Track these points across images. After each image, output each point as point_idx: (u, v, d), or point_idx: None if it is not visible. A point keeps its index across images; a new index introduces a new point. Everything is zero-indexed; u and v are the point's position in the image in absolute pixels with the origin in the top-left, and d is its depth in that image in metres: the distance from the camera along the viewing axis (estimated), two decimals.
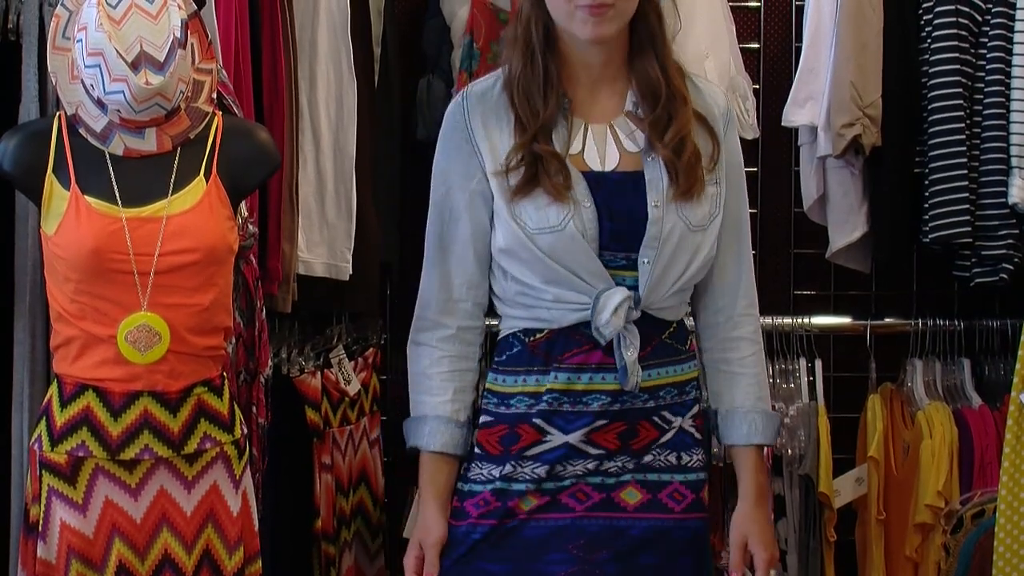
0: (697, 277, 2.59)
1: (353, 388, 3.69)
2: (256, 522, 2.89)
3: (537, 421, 2.53)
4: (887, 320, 3.92)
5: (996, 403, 3.72)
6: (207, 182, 2.77)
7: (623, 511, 2.55)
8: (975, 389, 3.80)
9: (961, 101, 3.57)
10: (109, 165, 2.74)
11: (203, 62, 2.83)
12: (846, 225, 3.76)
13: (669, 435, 2.57)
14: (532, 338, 2.54)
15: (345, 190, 3.56)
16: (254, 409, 3.12)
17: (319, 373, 3.60)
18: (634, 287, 2.52)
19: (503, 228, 2.51)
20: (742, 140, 3.88)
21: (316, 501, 3.57)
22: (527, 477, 2.53)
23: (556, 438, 2.53)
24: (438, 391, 2.57)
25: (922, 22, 3.63)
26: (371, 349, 3.82)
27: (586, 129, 2.55)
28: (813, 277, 4.13)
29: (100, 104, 2.72)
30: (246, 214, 3.01)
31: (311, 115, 3.54)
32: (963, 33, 3.58)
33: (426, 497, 2.58)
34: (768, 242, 4.15)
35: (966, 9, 3.58)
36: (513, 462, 2.54)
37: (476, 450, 2.57)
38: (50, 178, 2.73)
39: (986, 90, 3.56)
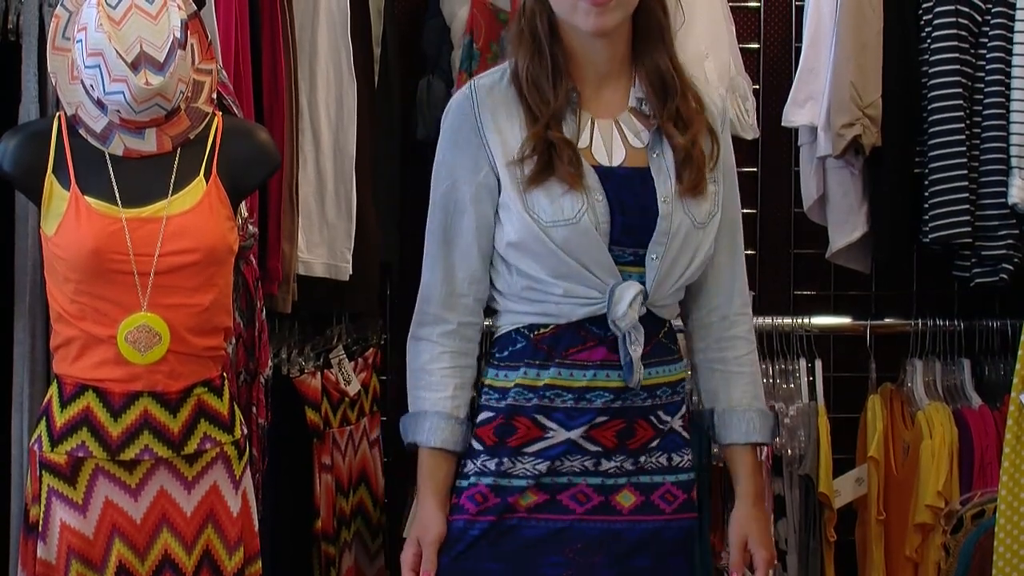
0: (695, 276, 2.59)
1: (353, 388, 3.69)
2: (256, 522, 2.89)
3: (538, 417, 2.52)
4: (887, 320, 3.92)
5: (996, 403, 3.72)
6: (207, 182, 2.77)
7: (619, 514, 2.55)
8: (975, 389, 3.80)
9: (961, 101, 3.57)
10: (109, 165, 2.74)
11: (203, 62, 2.83)
12: (846, 225, 3.76)
13: (663, 435, 2.57)
14: (536, 333, 2.53)
15: (345, 190, 3.56)
16: (254, 409, 3.12)
17: (319, 373, 3.60)
18: (640, 283, 2.52)
19: (515, 221, 2.49)
20: (743, 140, 3.93)
21: (316, 501, 3.57)
22: (527, 473, 2.52)
23: (558, 434, 2.52)
24: (438, 387, 2.55)
25: (922, 22, 3.63)
26: (371, 349, 3.82)
27: (592, 124, 2.55)
28: (813, 277, 4.13)
29: (100, 104, 2.72)
30: (246, 214, 3.01)
31: (311, 115, 3.54)
32: (963, 33, 3.58)
33: (424, 493, 2.56)
34: (768, 242, 4.15)
35: (966, 9, 3.58)
36: (511, 456, 2.52)
37: (474, 444, 2.55)
38: (50, 178, 2.73)
39: (986, 90, 3.56)
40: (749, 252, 4.07)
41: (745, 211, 4.07)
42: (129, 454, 2.74)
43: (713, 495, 3.64)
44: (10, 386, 3.10)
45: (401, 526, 3.58)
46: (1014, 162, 3.52)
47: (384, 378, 3.90)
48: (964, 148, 3.55)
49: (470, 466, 2.55)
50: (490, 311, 2.62)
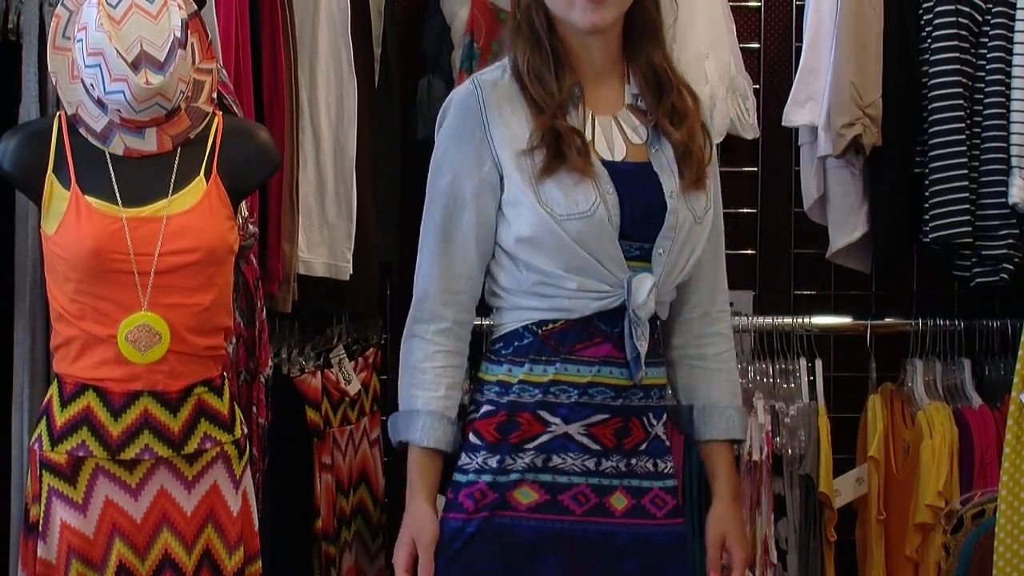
0: (691, 272, 2.59)
1: (353, 388, 3.69)
2: (256, 522, 2.89)
3: (541, 412, 2.51)
4: (887, 320, 3.92)
5: (996, 403, 3.72)
6: (207, 182, 2.77)
7: (612, 516, 2.54)
8: (975, 389, 3.80)
9: (961, 101, 3.57)
10: (109, 165, 2.74)
11: (203, 62, 2.83)
12: (846, 225, 3.76)
13: (650, 439, 2.57)
14: (544, 329, 2.51)
15: (345, 190, 3.56)
16: (254, 409, 3.12)
17: (319, 373, 3.60)
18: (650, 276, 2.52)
19: (527, 215, 2.47)
20: (743, 140, 3.93)
21: (316, 501, 3.57)
22: (524, 466, 2.51)
23: (558, 428, 2.51)
24: (432, 386, 2.53)
25: (922, 22, 3.63)
26: (371, 349, 3.82)
27: (593, 119, 2.54)
28: (813, 277, 4.13)
29: (100, 104, 2.72)
30: (246, 214, 3.01)
31: (311, 115, 3.54)
32: (963, 33, 3.58)
33: (418, 494, 2.52)
34: (768, 242, 4.15)
35: (966, 9, 3.58)
36: (510, 452, 2.51)
37: (473, 439, 2.53)
38: (50, 178, 2.73)
39: (986, 90, 3.56)
40: (749, 252, 4.13)
41: (745, 211, 4.14)
42: (129, 454, 2.74)
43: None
44: (10, 386, 3.10)
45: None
46: (1014, 162, 3.52)
47: (384, 378, 3.90)
48: (964, 148, 3.56)
49: (469, 461, 2.53)
50: (486, 308, 2.61)
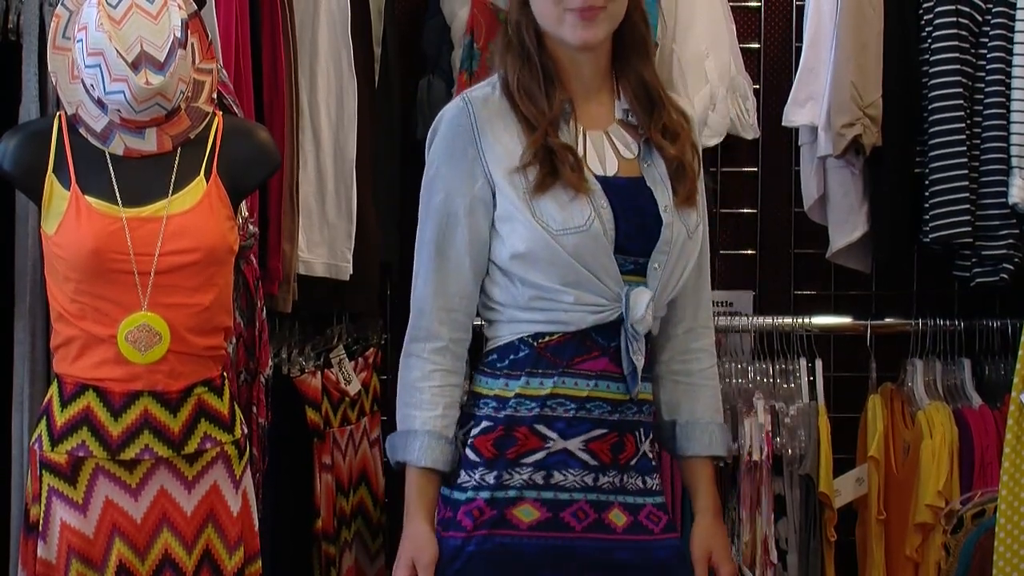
0: (683, 287, 2.58)
1: (353, 388, 3.69)
2: (256, 522, 2.89)
3: (538, 427, 2.50)
4: (887, 320, 3.92)
5: (996, 403, 3.72)
6: (207, 182, 2.77)
7: (612, 532, 2.52)
8: (975, 389, 3.80)
9: (961, 101, 3.57)
10: (109, 165, 2.74)
11: (203, 62, 2.83)
12: (846, 225, 3.76)
13: (639, 455, 2.56)
14: (541, 341, 2.51)
15: (345, 190, 3.56)
16: (254, 409, 3.12)
17: (319, 373, 3.60)
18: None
19: (522, 230, 2.47)
20: (743, 140, 3.93)
21: (316, 501, 3.57)
22: (523, 483, 2.50)
23: (556, 444, 2.51)
24: (429, 405, 2.52)
25: (922, 22, 3.63)
26: (371, 349, 3.81)
27: (584, 135, 2.54)
28: (813, 277, 4.13)
29: (100, 104, 2.72)
30: (246, 214, 3.01)
31: (311, 115, 3.54)
32: (963, 33, 3.58)
33: (416, 514, 2.51)
34: (768, 242, 4.15)
35: (966, 9, 3.58)
36: (508, 468, 2.50)
37: (471, 456, 2.52)
38: (50, 178, 2.73)
39: (986, 90, 3.56)
40: (749, 252, 4.13)
41: (745, 211, 4.14)
42: (129, 454, 2.74)
43: None
44: (10, 386, 3.11)
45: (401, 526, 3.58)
46: (1014, 162, 3.52)
47: (384, 378, 3.90)
48: (964, 148, 3.56)
49: (467, 478, 2.51)
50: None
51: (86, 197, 2.71)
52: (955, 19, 3.57)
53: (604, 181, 2.50)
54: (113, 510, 2.75)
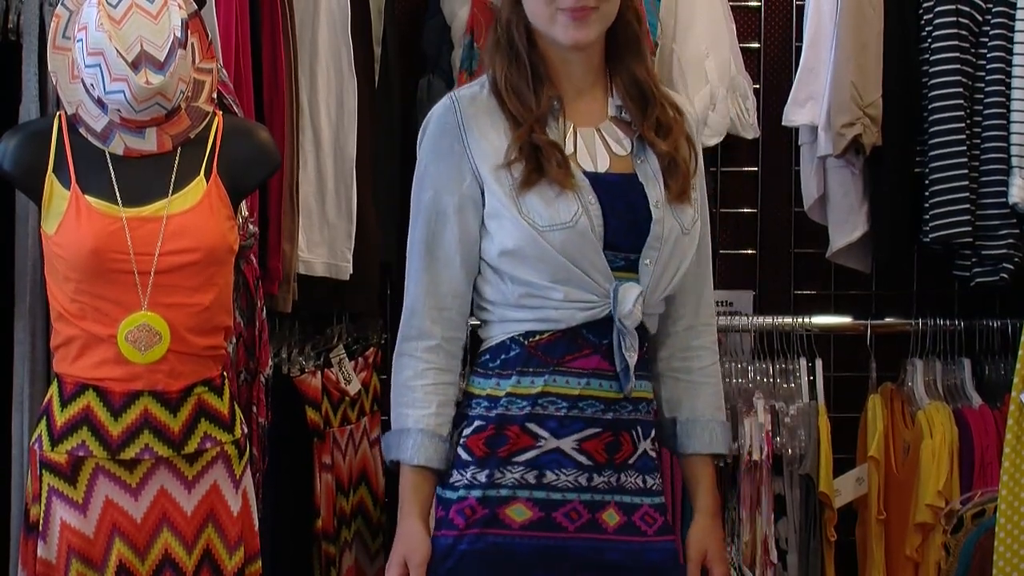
0: (680, 284, 2.57)
1: (353, 388, 3.69)
2: (256, 522, 2.89)
3: (530, 425, 2.50)
4: (887, 320, 3.92)
5: (996, 403, 3.72)
6: (207, 182, 2.77)
7: (604, 532, 2.52)
8: (975, 389, 3.79)
9: (961, 101, 3.57)
10: (109, 165, 2.74)
11: (203, 62, 2.83)
12: (846, 225, 3.76)
13: (638, 454, 2.55)
14: (531, 340, 2.51)
15: (345, 190, 3.56)
16: (254, 409, 3.12)
17: (319, 373, 3.60)
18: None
19: (510, 227, 2.47)
20: (743, 140, 3.93)
21: (316, 501, 3.57)
22: (515, 482, 2.50)
23: (548, 443, 2.50)
24: (422, 404, 2.52)
25: (922, 22, 3.63)
26: (371, 349, 3.82)
27: (575, 131, 2.54)
28: (813, 277, 4.13)
29: (100, 104, 2.72)
30: (246, 214, 3.01)
31: (311, 115, 3.54)
32: (963, 33, 3.58)
33: (410, 512, 2.51)
34: (768, 242, 4.15)
35: (966, 9, 3.58)
36: (500, 466, 2.50)
37: (463, 455, 2.52)
38: (50, 178, 2.73)
39: (986, 90, 3.56)
40: (749, 251, 4.13)
41: (745, 210, 4.14)
42: (129, 453, 2.74)
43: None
44: (10, 385, 3.11)
45: None
46: (1015, 161, 3.52)
47: (384, 377, 3.90)
48: (964, 148, 3.56)
49: (459, 478, 2.51)
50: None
51: (86, 197, 2.71)
52: (955, 19, 3.57)
53: (594, 177, 2.50)
54: (113, 510, 2.75)
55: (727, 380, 3.75)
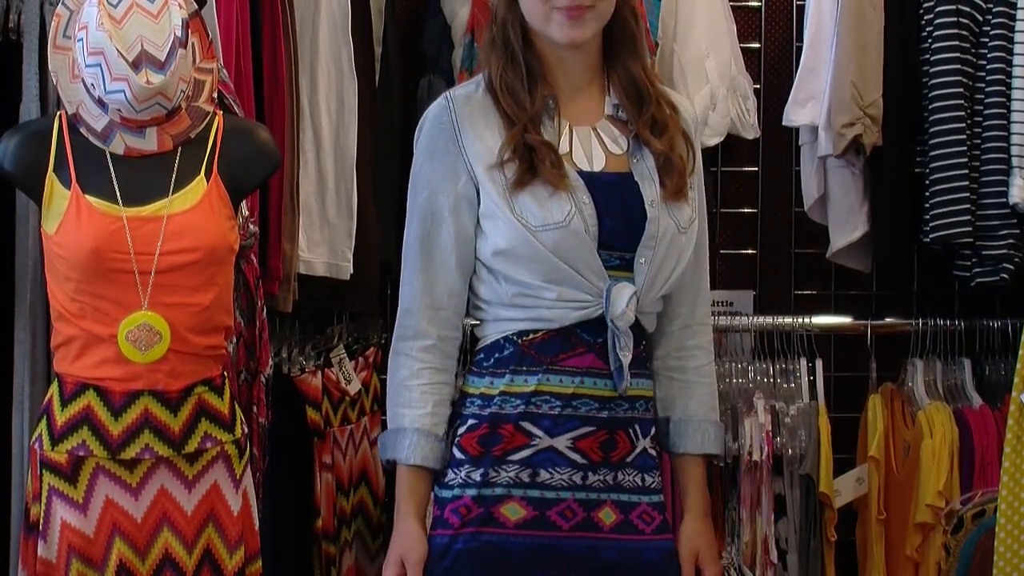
0: (677, 283, 2.57)
1: (354, 387, 3.69)
2: (257, 521, 2.89)
3: (524, 423, 2.50)
4: (888, 320, 3.92)
5: (997, 403, 3.72)
6: (208, 181, 2.77)
7: (600, 531, 2.52)
8: (976, 389, 3.79)
9: (962, 101, 3.57)
10: (110, 164, 2.74)
11: (204, 61, 2.83)
12: (847, 225, 3.76)
13: (636, 452, 2.55)
14: (525, 339, 2.51)
15: (346, 189, 3.56)
16: (255, 408, 3.12)
17: (320, 372, 3.60)
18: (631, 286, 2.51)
19: (503, 227, 2.48)
20: (743, 140, 3.93)
21: (316, 500, 3.57)
22: (511, 481, 2.50)
23: (542, 441, 2.50)
24: (418, 404, 2.52)
25: (923, 22, 3.63)
26: (372, 348, 3.81)
27: (571, 130, 2.54)
28: (814, 277, 4.13)
29: (101, 103, 2.72)
30: (247, 213, 3.01)
31: (312, 114, 3.54)
32: (964, 33, 3.58)
33: (406, 512, 2.52)
34: (768, 242, 4.15)
35: (967, 9, 3.58)
36: (494, 465, 2.50)
37: (457, 454, 2.52)
38: (51, 177, 2.73)
39: (987, 90, 3.56)
40: (750, 251, 4.13)
41: (746, 210, 4.14)
42: (130, 453, 2.74)
43: (714, 495, 3.64)
44: (11, 385, 3.11)
45: None
46: (1015, 162, 3.52)
47: (384, 377, 3.86)
48: (965, 148, 3.56)
49: (453, 476, 2.52)
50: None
51: (86, 196, 2.71)
52: (956, 19, 3.57)
53: (589, 177, 2.50)
54: (113, 509, 2.75)
55: (727, 380, 3.75)
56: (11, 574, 3.15)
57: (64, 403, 2.74)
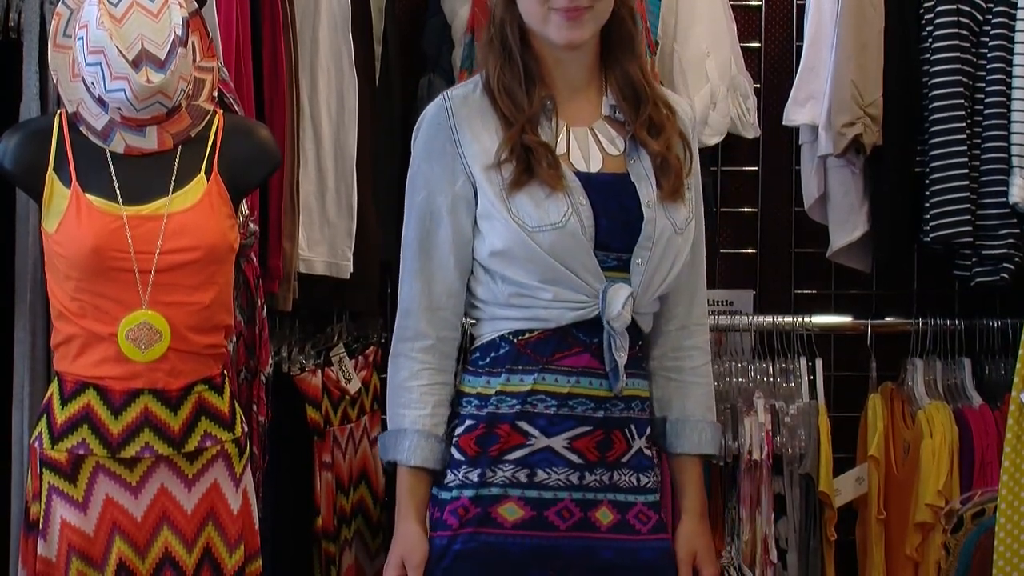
0: (674, 283, 2.57)
1: (354, 386, 3.69)
2: (256, 520, 2.89)
3: (520, 423, 2.50)
4: (888, 319, 3.92)
5: (996, 403, 3.72)
6: (208, 180, 2.77)
7: (597, 531, 2.52)
8: (975, 389, 3.79)
9: (962, 100, 3.57)
10: (110, 163, 2.74)
11: (204, 60, 2.83)
12: (847, 224, 3.76)
13: (632, 452, 2.55)
14: (521, 338, 2.51)
15: (346, 188, 3.56)
16: (255, 407, 3.12)
17: (319, 371, 3.60)
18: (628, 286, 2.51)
19: (499, 228, 2.48)
20: (744, 139, 3.93)
21: (316, 499, 3.57)
22: (507, 481, 2.50)
23: (538, 441, 2.50)
24: (418, 404, 2.53)
25: (923, 21, 3.63)
26: (371, 347, 3.81)
27: (568, 131, 2.54)
28: (814, 276, 4.13)
29: (101, 102, 2.72)
30: (247, 212, 3.01)
31: (312, 113, 3.54)
32: (964, 33, 3.58)
33: (407, 513, 2.52)
34: (769, 241, 4.15)
35: (967, 9, 3.58)
36: (491, 465, 2.50)
37: (455, 455, 2.52)
38: (51, 176, 2.73)
39: (987, 89, 3.56)
40: (750, 251, 4.14)
41: (746, 210, 4.14)
42: (130, 452, 2.74)
43: (713, 495, 3.64)
44: (11, 384, 3.11)
45: None
46: (1015, 161, 3.53)
47: (384, 376, 3.86)
48: (965, 147, 3.56)
49: (451, 477, 2.52)
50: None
51: (87, 195, 2.71)
52: (956, 18, 3.57)
53: (586, 178, 2.50)
54: (113, 508, 2.75)
55: (727, 379, 3.75)
56: (11, 573, 3.15)
57: (64, 402, 2.74)
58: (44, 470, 2.74)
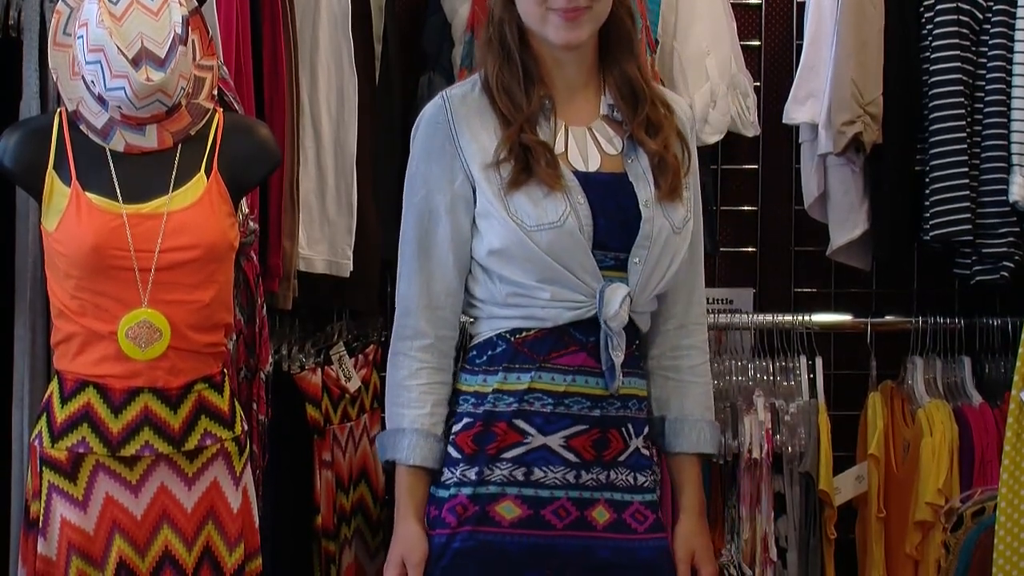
0: (672, 283, 2.57)
1: (354, 385, 3.69)
2: (256, 519, 2.89)
3: (517, 421, 2.50)
4: (887, 318, 3.92)
5: (996, 401, 3.72)
6: (208, 179, 2.77)
7: (593, 530, 2.52)
8: (975, 387, 3.80)
9: (962, 99, 3.57)
10: (110, 161, 2.74)
11: (204, 58, 2.83)
12: (847, 223, 3.76)
13: (629, 451, 2.55)
14: (518, 336, 2.51)
15: (346, 187, 3.56)
16: (255, 406, 3.12)
17: (320, 370, 3.60)
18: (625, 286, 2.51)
19: (497, 227, 2.48)
20: (744, 138, 3.93)
21: (316, 498, 3.58)
22: (504, 479, 2.50)
23: (535, 439, 2.50)
24: (417, 404, 2.53)
25: (923, 20, 3.63)
26: (371, 346, 3.81)
27: (567, 131, 2.54)
28: (814, 274, 4.13)
29: (101, 100, 2.72)
30: (247, 211, 3.01)
31: (312, 112, 3.54)
32: (964, 31, 3.58)
33: (406, 513, 2.52)
34: (768, 240, 4.15)
35: (967, 7, 3.58)
36: (489, 463, 2.50)
37: (452, 453, 2.52)
38: (51, 175, 2.73)
39: (987, 88, 3.56)
40: (750, 249, 4.14)
41: (746, 208, 4.14)
42: (129, 450, 2.74)
43: (713, 493, 3.64)
44: (11, 382, 3.11)
45: None
46: (1015, 160, 3.53)
47: (384, 374, 3.89)
48: (965, 146, 3.56)
49: (449, 475, 2.52)
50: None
51: (87, 194, 2.71)
52: (956, 17, 3.57)
53: (584, 177, 2.51)
54: (113, 507, 2.75)
55: (727, 377, 3.76)
56: (11, 571, 3.15)
57: (64, 400, 2.74)
58: (44, 468, 2.75)
